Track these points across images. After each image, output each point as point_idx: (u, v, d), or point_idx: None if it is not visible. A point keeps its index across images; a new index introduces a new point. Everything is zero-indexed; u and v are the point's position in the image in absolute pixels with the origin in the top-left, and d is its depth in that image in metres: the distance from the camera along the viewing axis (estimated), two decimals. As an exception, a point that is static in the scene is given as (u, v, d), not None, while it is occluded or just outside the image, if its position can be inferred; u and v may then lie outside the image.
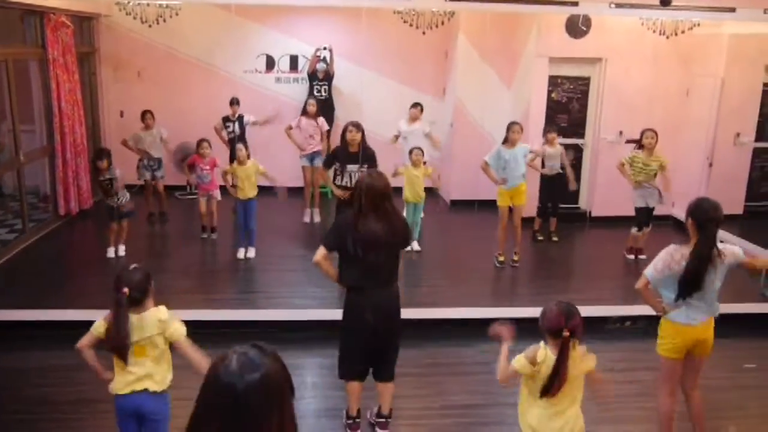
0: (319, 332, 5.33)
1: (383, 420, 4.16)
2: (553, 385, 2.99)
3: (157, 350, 3.22)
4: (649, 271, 3.71)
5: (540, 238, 7.85)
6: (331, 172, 6.44)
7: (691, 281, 3.59)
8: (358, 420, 4.14)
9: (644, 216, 7.12)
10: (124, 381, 3.21)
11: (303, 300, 5.96)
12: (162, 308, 3.24)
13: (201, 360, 3.09)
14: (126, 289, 3.09)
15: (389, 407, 4.15)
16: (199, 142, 7.30)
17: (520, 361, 3.07)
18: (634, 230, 7.21)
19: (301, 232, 8.17)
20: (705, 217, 3.60)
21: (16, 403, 4.47)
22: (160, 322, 3.18)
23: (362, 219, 3.80)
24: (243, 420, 1.49)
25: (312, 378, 4.92)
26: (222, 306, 5.79)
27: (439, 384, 4.80)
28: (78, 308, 5.56)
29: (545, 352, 3.04)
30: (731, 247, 3.75)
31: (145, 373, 3.21)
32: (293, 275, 6.58)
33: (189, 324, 3.33)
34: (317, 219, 8.32)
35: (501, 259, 7.01)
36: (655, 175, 6.93)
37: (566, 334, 2.96)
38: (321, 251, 3.92)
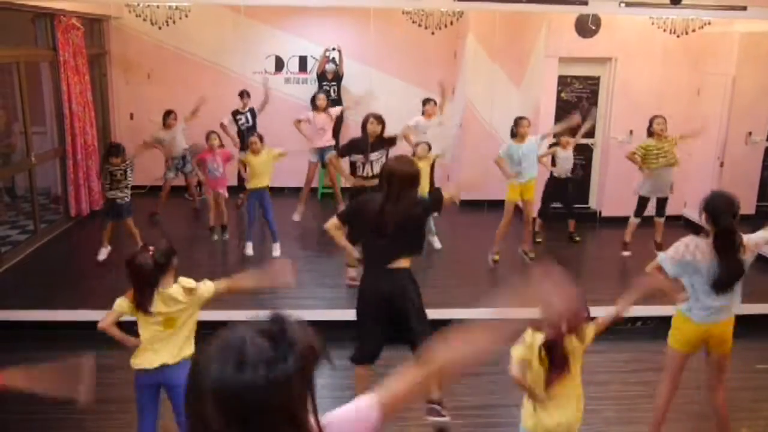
0: (328, 333, 5.32)
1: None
2: (551, 376, 2.98)
3: (179, 324, 3.28)
4: (661, 255, 3.72)
5: (539, 240, 7.80)
6: (345, 163, 6.40)
7: (726, 278, 3.57)
8: None
9: (659, 205, 7.16)
10: (148, 358, 3.28)
11: (312, 300, 5.97)
12: (185, 279, 3.29)
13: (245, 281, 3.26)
14: (152, 249, 3.14)
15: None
16: (208, 135, 7.25)
17: (514, 349, 3.08)
18: (633, 219, 7.19)
19: (309, 232, 8.17)
20: (718, 210, 3.57)
21: (26, 402, 4.47)
22: (185, 290, 3.24)
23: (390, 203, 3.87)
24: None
25: (320, 379, 4.89)
26: (230, 306, 5.78)
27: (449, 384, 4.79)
28: (88, 309, 5.60)
29: (532, 336, 3.05)
30: (750, 237, 3.68)
31: (166, 349, 3.29)
32: (302, 275, 6.57)
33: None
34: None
35: (496, 258, 6.99)
36: (673, 161, 6.93)
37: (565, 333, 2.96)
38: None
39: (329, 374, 4.92)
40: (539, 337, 3.03)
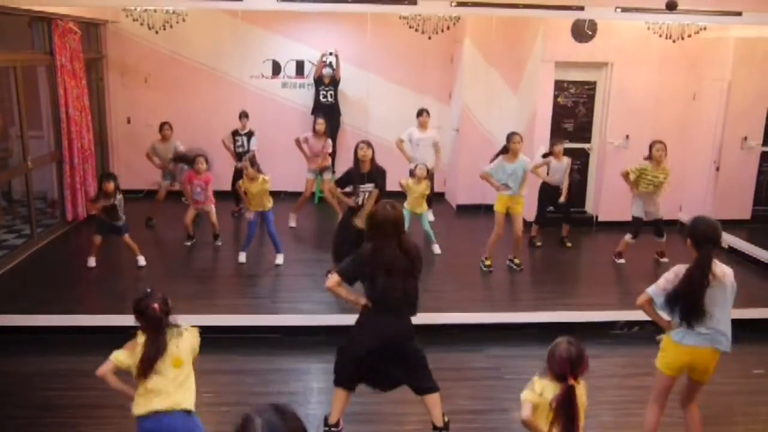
0: (324, 337, 5.33)
1: None
2: (573, 427, 2.95)
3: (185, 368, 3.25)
4: (651, 288, 3.70)
5: (538, 244, 7.81)
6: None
7: (687, 304, 3.56)
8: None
9: (654, 226, 7.19)
10: (151, 401, 3.19)
11: (309, 305, 5.96)
12: (195, 332, 3.33)
13: None
14: (156, 305, 3.16)
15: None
16: (195, 158, 7.33)
17: (526, 394, 3.05)
18: (628, 237, 7.17)
19: (306, 236, 8.17)
20: (702, 238, 3.59)
21: (21, 407, 4.48)
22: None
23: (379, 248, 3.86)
24: None
25: (318, 383, 4.91)
26: (227, 311, 5.80)
27: (444, 389, 4.76)
28: (85, 313, 5.61)
29: (541, 384, 3.02)
30: (725, 268, 3.67)
31: (174, 391, 3.21)
32: (299, 280, 6.58)
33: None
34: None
35: (488, 263, 6.99)
36: (660, 188, 7.00)
37: (571, 382, 2.93)
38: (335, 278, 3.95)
39: (324, 379, 4.92)
40: (546, 384, 3.01)
